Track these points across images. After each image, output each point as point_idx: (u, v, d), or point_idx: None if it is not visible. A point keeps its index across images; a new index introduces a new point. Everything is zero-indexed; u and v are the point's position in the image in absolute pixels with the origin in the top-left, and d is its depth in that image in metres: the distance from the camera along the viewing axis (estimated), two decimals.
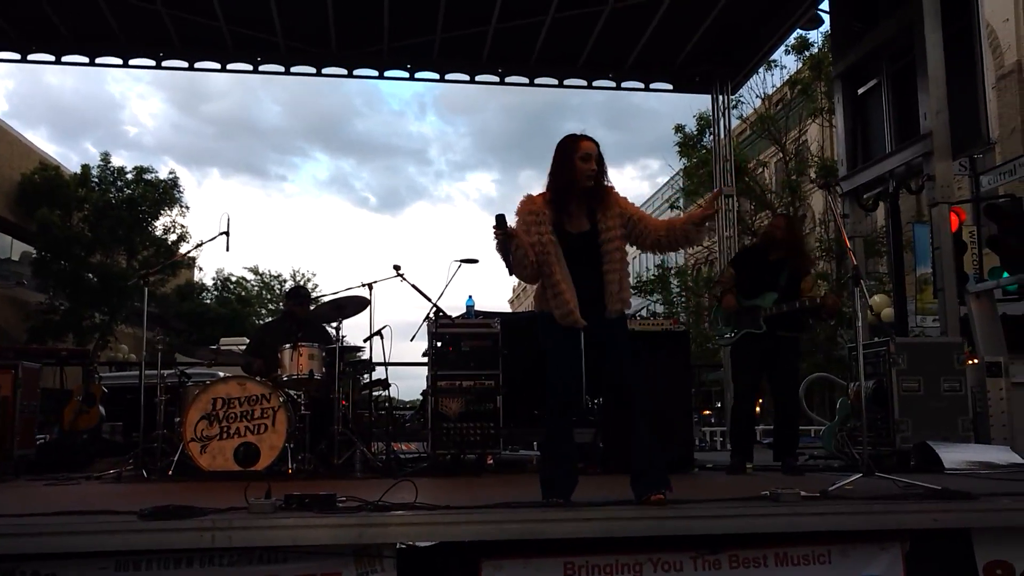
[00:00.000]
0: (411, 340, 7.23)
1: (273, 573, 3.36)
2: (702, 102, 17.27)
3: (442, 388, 6.68)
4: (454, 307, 7.19)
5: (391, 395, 7.55)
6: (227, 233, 6.91)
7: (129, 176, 28.45)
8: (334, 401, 6.60)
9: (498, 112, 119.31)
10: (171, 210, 29.00)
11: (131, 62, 10.78)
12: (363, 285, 7.03)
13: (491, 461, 6.88)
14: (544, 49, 10.70)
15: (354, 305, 6.95)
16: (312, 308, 7.54)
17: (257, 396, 6.17)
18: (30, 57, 10.55)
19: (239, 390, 6.18)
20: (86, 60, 10.70)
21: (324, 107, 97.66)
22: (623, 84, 11.62)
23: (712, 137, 12.72)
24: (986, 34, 8.84)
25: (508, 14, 9.91)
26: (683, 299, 26.26)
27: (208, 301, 37.31)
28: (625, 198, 4.19)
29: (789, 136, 24.08)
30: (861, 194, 9.24)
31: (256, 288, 44.34)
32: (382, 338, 7.02)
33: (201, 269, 37.50)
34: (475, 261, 7.27)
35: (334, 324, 6.96)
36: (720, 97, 11.68)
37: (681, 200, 26.29)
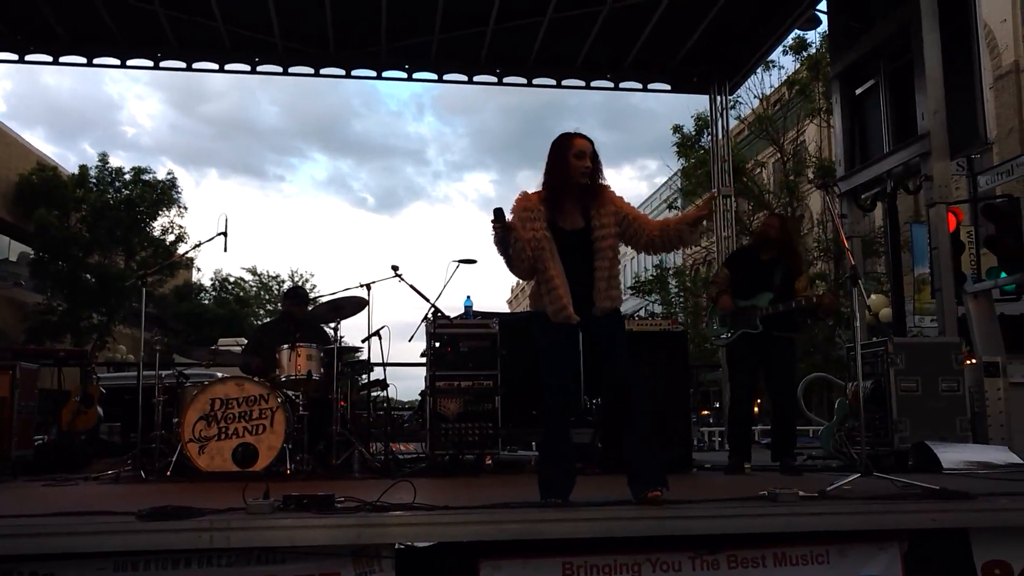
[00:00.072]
0: (409, 340, 7.23)
1: (271, 574, 3.36)
2: (700, 102, 17.32)
3: (440, 388, 6.68)
4: (452, 307, 7.20)
5: (389, 395, 7.54)
6: (225, 234, 6.91)
7: (127, 177, 28.49)
8: (332, 402, 6.60)
9: (496, 113, 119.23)
10: (169, 211, 29.08)
11: (129, 63, 10.77)
12: (361, 285, 7.03)
13: (489, 461, 6.87)
14: (542, 50, 10.70)
15: (352, 305, 6.95)
16: (310, 308, 7.54)
17: (255, 397, 6.17)
18: (28, 58, 10.54)
19: (237, 391, 6.18)
20: (84, 61, 10.68)
21: (322, 108, 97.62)
22: (621, 84, 11.62)
23: (710, 137, 12.74)
24: (984, 34, 8.83)
25: (506, 15, 9.91)
26: (681, 299, 26.27)
27: (206, 302, 37.31)
28: (621, 197, 4.19)
29: (787, 136, 24.10)
30: (859, 194, 9.24)
31: (254, 289, 44.38)
32: (380, 338, 7.02)
33: (199, 270, 37.59)
34: (473, 261, 7.28)
35: (332, 324, 6.96)
36: (718, 97, 11.67)
37: (679, 200, 26.30)
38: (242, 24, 10.12)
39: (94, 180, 28.06)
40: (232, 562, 3.33)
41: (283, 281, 43.80)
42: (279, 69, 10.91)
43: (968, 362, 7.19)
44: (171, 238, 29.08)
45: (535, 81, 11.42)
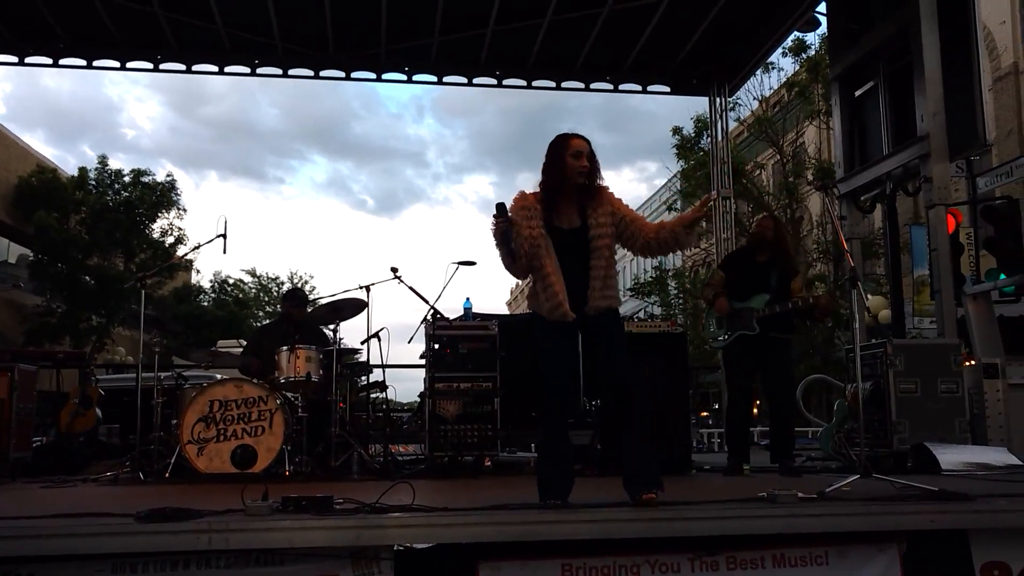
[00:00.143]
0: (408, 342, 7.24)
1: (270, 575, 3.36)
2: (699, 104, 17.31)
3: (439, 390, 6.68)
4: (451, 309, 7.20)
5: (388, 397, 7.54)
6: (224, 235, 6.90)
7: (126, 179, 28.49)
8: (331, 403, 6.59)
9: (496, 114, 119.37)
10: (168, 213, 29.07)
11: (128, 65, 10.77)
12: (360, 287, 7.03)
13: (489, 463, 6.88)
14: (542, 51, 10.70)
15: (351, 307, 6.95)
16: (309, 310, 7.54)
17: (254, 398, 6.16)
18: (27, 60, 10.54)
19: (236, 392, 6.18)
20: (83, 63, 10.68)
21: (322, 110, 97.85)
22: (620, 86, 11.63)
23: (709, 139, 12.74)
24: (983, 36, 8.84)
25: (506, 16, 9.91)
26: (681, 301, 26.27)
27: (205, 303, 37.27)
28: (620, 199, 4.19)
29: (786, 138, 24.11)
30: (858, 196, 9.25)
31: (253, 290, 44.30)
32: (379, 340, 7.02)
33: (198, 271, 37.55)
34: (472, 263, 7.28)
35: (331, 326, 6.96)
36: (717, 99, 11.68)
37: (679, 202, 26.30)
38: (242, 26, 10.12)
39: (93, 182, 28.05)
40: (231, 564, 3.32)
41: (282, 283, 43.75)
42: (279, 71, 10.91)
43: (967, 363, 7.19)
44: (170, 240, 29.09)
45: (535, 83, 11.43)
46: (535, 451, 6.89)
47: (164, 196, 28.74)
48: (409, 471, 6.44)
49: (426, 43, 10.46)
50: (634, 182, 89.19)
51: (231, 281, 42.32)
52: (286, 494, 3.72)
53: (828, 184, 7.78)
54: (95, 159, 30.36)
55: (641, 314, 24.03)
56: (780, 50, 20.45)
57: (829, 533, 3.69)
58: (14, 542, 3.18)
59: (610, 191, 4.17)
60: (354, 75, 11.07)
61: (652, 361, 6.51)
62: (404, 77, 11.18)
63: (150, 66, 10.77)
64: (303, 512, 3.55)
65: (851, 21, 9.31)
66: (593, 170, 4.10)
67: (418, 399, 7.93)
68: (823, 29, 11.29)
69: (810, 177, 22.43)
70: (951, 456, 6.11)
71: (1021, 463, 6.11)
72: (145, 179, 28.57)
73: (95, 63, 10.70)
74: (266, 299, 44.02)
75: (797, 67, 22.80)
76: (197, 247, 8.62)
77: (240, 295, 41.99)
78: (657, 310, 26.66)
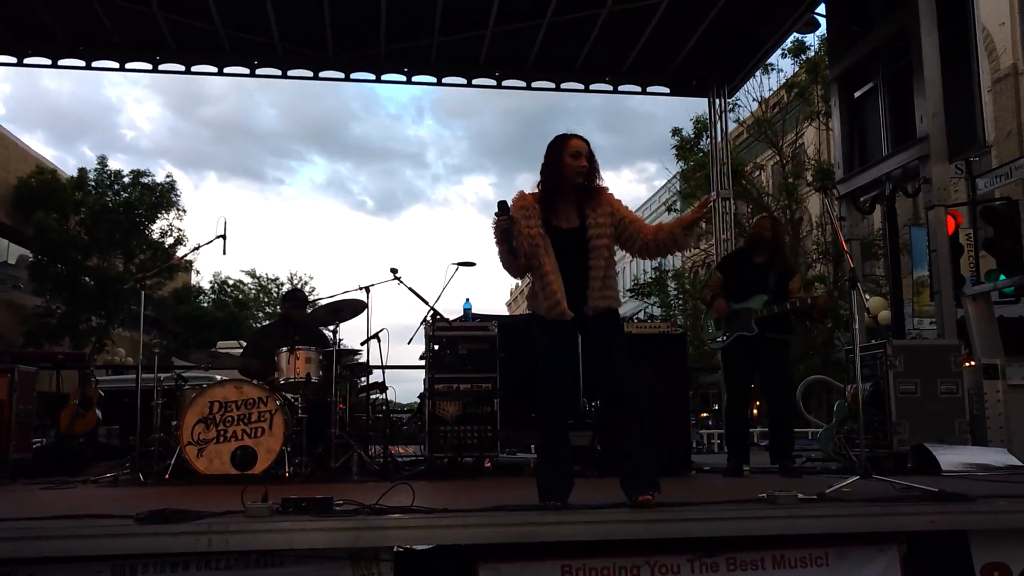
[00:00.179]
0: (408, 343, 7.23)
1: None
2: (699, 105, 17.28)
3: (439, 391, 6.67)
4: (451, 310, 7.20)
5: (388, 398, 7.54)
6: (224, 236, 6.90)
7: (126, 179, 28.50)
8: (331, 404, 6.59)
9: (495, 115, 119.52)
10: (168, 213, 29.06)
11: (128, 66, 10.79)
12: (360, 288, 7.02)
13: (488, 464, 6.88)
14: (541, 53, 10.71)
15: (351, 308, 6.94)
16: (309, 311, 7.53)
17: (254, 399, 6.16)
18: (26, 61, 10.55)
19: (236, 393, 6.17)
20: (82, 64, 10.69)
21: (321, 111, 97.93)
22: (620, 87, 11.64)
23: (709, 140, 12.73)
24: (982, 37, 8.85)
25: (505, 18, 9.92)
26: (680, 302, 26.27)
27: (205, 304, 37.25)
28: (620, 201, 4.19)
29: (786, 139, 24.12)
30: (858, 197, 9.25)
31: (253, 291, 44.29)
32: (379, 341, 7.01)
33: (198, 272, 37.55)
34: (472, 264, 7.28)
35: (331, 327, 6.95)
36: (717, 100, 11.69)
37: (678, 203, 26.31)
38: (241, 27, 10.12)
39: (93, 183, 28.06)
40: (230, 565, 3.32)
41: (282, 284, 43.71)
42: (278, 72, 10.93)
43: (967, 364, 7.19)
44: (170, 241, 29.09)
45: (534, 84, 11.44)
46: (535, 452, 6.89)
47: (164, 197, 28.74)
48: (409, 472, 6.44)
49: (425, 44, 10.47)
50: (633, 183, 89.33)
51: (231, 282, 42.35)
52: (286, 495, 3.71)
53: (827, 185, 7.79)
54: (94, 160, 30.39)
55: (641, 315, 24.03)
56: (779, 51, 20.47)
57: (829, 534, 3.69)
58: (14, 543, 3.18)
59: (610, 192, 4.17)
60: (353, 76, 11.07)
61: (652, 362, 6.51)
62: (403, 78, 11.19)
63: (149, 67, 10.78)
64: (303, 513, 3.55)
65: (850, 22, 9.32)
66: (592, 170, 4.10)
67: (418, 400, 7.94)
68: (822, 30, 11.29)
69: (809, 178, 22.44)
70: (951, 457, 6.12)
71: (1021, 464, 6.11)
72: (145, 180, 28.58)
73: (94, 64, 10.72)
74: (266, 300, 44.00)
75: (796, 68, 22.83)
76: (197, 248, 8.62)
77: (240, 296, 41.98)
78: (657, 311, 26.65)
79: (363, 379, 7.61)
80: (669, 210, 29.31)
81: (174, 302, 32.38)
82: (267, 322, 28.83)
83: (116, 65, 10.78)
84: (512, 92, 11.96)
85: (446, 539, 3.53)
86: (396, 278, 7.11)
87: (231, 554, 3.30)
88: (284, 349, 6.60)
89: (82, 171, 28.30)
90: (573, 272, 4.04)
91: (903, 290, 11.26)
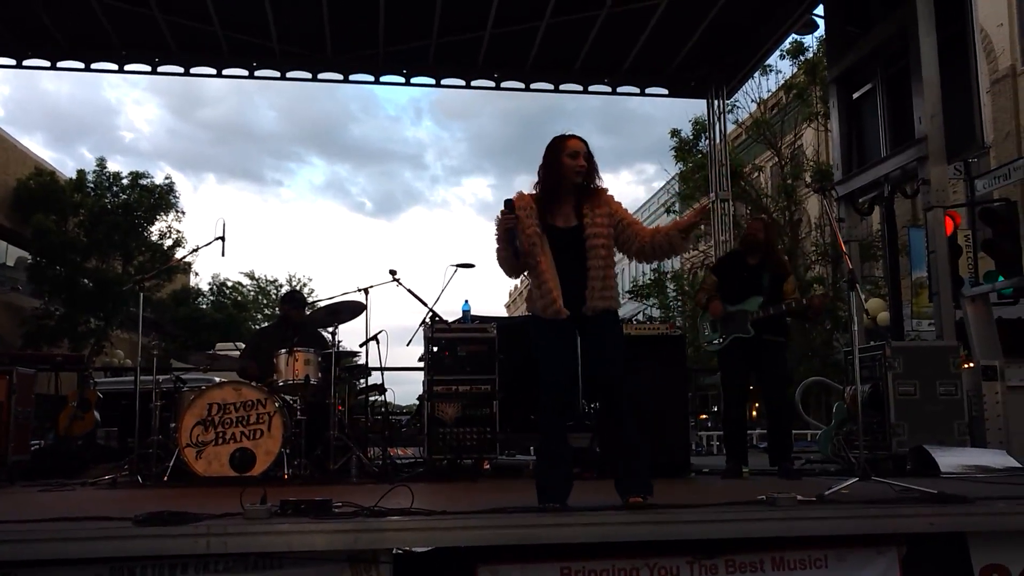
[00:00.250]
0: (407, 345, 7.24)
1: None
2: (698, 107, 17.28)
3: (438, 393, 6.67)
4: (450, 312, 7.19)
5: (387, 400, 7.54)
6: (223, 238, 6.90)
7: (125, 181, 28.50)
8: (330, 406, 6.59)
9: (494, 117, 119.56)
10: (167, 215, 29.07)
11: (127, 68, 10.80)
12: (359, 290, 7.02)
13: (487, 466, 6.87)
14: (540, 54, 10.72)
15: (350, 310, 6.94)
16: (308, 313, 7.53)
17: (253, 401, 6.15)
18: (26, 63, 10.56)
19: (235, 395, 6.17)
20: (82, 66, 10.71)
21: (320, 112, 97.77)
22: (619, 89, 11.66)
23: (708, 142, 12.73)
24: (980, 38, 8.85)
25: (504, 19, 9.93)
26: (679, 303, 26.29)
27: (204, 306, 37.24)
28: (619, 203, 4.19)
29: (785, 140, 24.14)
30: (857, 198, 9.26)
31: (252, 293, 44.29)
32: (378, 343, 7.01)
33: (197, 274, 37.53)
34: (471, 266, 7.29)
35: (330, 329, 6.95)
36: (716, 102, 11.70)
37: (677, 204, 26.34)
38: (240, 29, 10.13)
39: (92, 185, 28.06)
40: (229, 567, 3.31)
41: (281, 286, 43.70)
42: (277, 74, 10.94)
43: (966, 366, 7.19)
44: (169, 243, 29.09)
45: (533, 86, 11.46)
46: (534, 454, 6.88)
47: (162, 199, 28.74)
48: (408, 474, 6.43)
49: (424, 45, 10.47)
50: (632, 184, 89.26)
51: (229, 284, 42.34)
52: (284, 497, 3.71)
53: (826, 186, 7.78)
54: (93, 162, 30.36)
55: (640, 316, 24.04)
56: (778, 53, 20.48)
57: (828, 536, 3.69)
58: (12, 546, 3.17)
59: (609, 194, 4.16)
60: (352, 77, 11.08)
61: (651, 363, 6.51)
62: (402, 79, 11.20)
63: (148, 68, 10.79)
64: (301, 515, 3.55)
65: (849, 23, 9.33)
66: (591, 170, 4.10)
67: (417, 402, 7.94)
68: (821, 31, 11.30)
69: (808, 179, 22.46)
70: (950, 459, 6.12)
71: (1020, 466, 6.12)
72: (143, 182, 28.59)
73: (93, 66, 10.73)
74: (264, 302, 44.00)
75: (795, 69, 22.85)
76: (195, 250, 8.64)
77: (238, 298, 41.96)
78: (656, 312, 26.66)
79: (362, 381, 7.61)
80: (668, 211, 29.32)
81: (173, 304, 32.35)
82: (266, 324, 28.83)
83: (115, 67, 10.80)
84: (511, 94, 11.98)
85: (445, 541, 3.52)
86: (395, 280, 7.11)
87: (230, 556, 3.29)
88: (283, 351, 6.59)
89: (81, 173, 28.31)
90: (571, 272, 4.03)
91: (902, 291, 11.27)
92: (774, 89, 24.32)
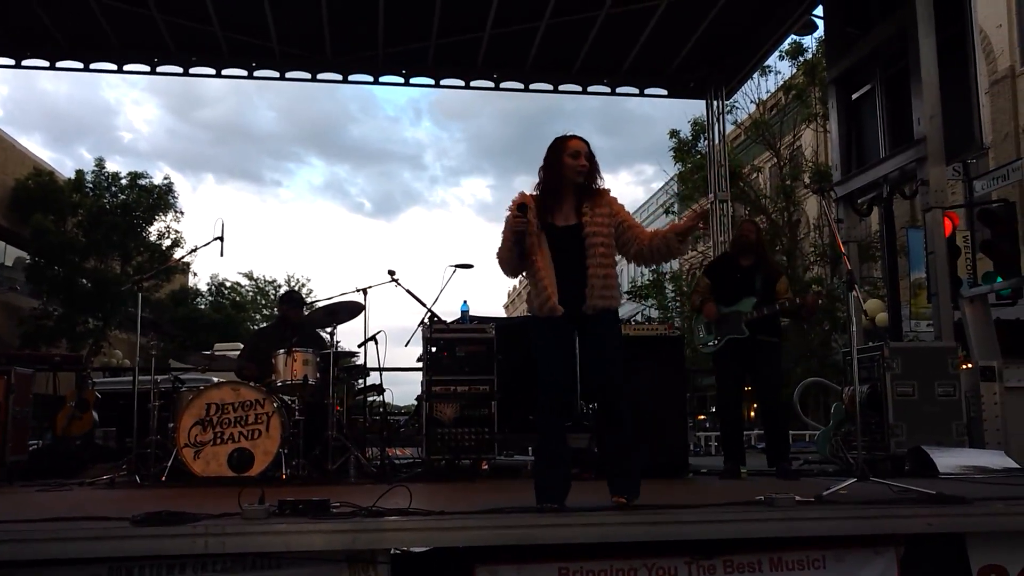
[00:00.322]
0: (406, 345, 7.24)
1: None
2: (697, 107, 17.31)
3: (436, 393, 6.67)
4: (449, 312, 7.19)
5: (385, 400, 7.54)
6: (221, 238, 6.90)
7: (123, 181, 28.50)
8: (328, 406, 6.59)
9: (493, 117, 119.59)
10: (165, 215, 29.08)
11: (126, 68, 10.80)
12: (358, 290, 7.02)
13: (486, 466, 6.87)
14: (539, 55, 10.72)
15: (348, 310, 6.94)
16: (306, 313, 7.53)
17: (251, 401, 6.15)
18: (24, 63, 10.55)
19: (233, 395, 6.16)
20: (80, 66, 10.70)
21: (319, 113, 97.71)
22: (618, 90, 11.66)
23: (707, 142, 12.73)
24: (979, 39, 8.87)
25: (503, 20, 9.93)
26: (678, 304, 26.28)
27: (202, 307, 37.25)
28: (622, 206, 4.19)
29: (784, 141, 24.15)
30: (855, 199, 9.26)
31: (251, 293, 44.31)
32: (376, 343, 7.01)
33: (196, 274, 37.61)
34: (470, 266, 7.29)
35: (328, 329, 6.95)
36: (715, 102, 11.70)
37: (676, 205, 26.34)
38: (239, 29, 10.13)
39: (91, 185, 28.06)
40: (227, 567, 3.31)
41: (279, 286, 43.73)
42: (276, 74, 10.93)
43: (964, 366, 7.19)
44: (167, 243, 29.10)
45: (532, 86, 11.46)
46: (532, 454, 6.88)
47: (161, 199, 28.73)
48: (406, 474, 6.43)
49: (423, 46, 10.47)
50: (631, 185, 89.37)
51: (228, 284, 42.39)
52: (283, 497, 3.71)
53: (825, 187, 7.78)
54: (92, 162, 30.42)
55: (638, 317, 24.06)
56: (777, 53, 20.49)
57: (826, 537, 3.69)
58: (10, 546, 3.17)
59: (611, 195, 4.17)
60: (351, 78, 11.07)
61: (649, 364, 6.52)
62: (401, 80, 11.19)
63: (147, 69, 10.78)
64: (300, 516, 3.55)
65: (848, 24, 9.33)
66: (592, 170, 4.11)
67: (415, 402, 7.94)
68: (820, 32, 11.31)
69: (807, 180, 22.47)
70: (948, 459, 6.12)
71: (1018, 466, 6.12)
72: (142, 182, 28.59)
73: (92, 66, 10.72)
74: (263, 302, 44.03)
75: (794, 70, 22.85)
76: (194, 250, 8.62)
77: (237, 298, 41.99)
78: (654, 313, 26.66)
79: (360, 381, 7.60)
80: (667, 212, 29.32)
81: (171, 304, 32.33)
82: (264, 324, 28.84)
83: (114, 67, 10.80)
84: (510, 94, 11.99)
85: (443, 541, 3.52)
86: (394, 280, 7.11)
87: (227, 556, 3.29)
88: (281, 351, 6.59)
89: (80, 173, 28.31)
90: (571, 271, 4.03)
91: (900, 292, 11.27)
92: (773, 90, 24.35)
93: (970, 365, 7.30)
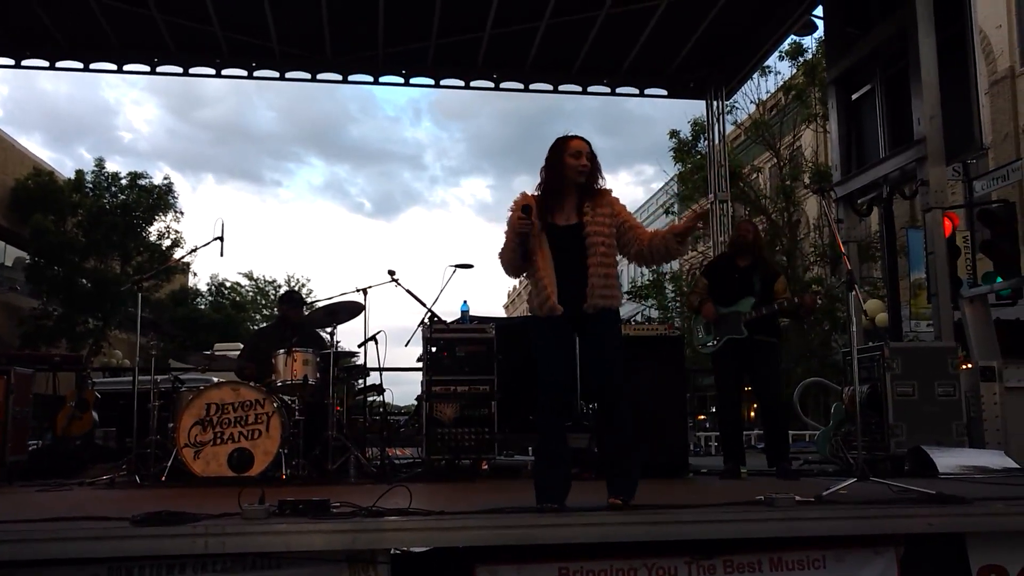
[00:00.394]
0: (406, 345, 7.24)
1: None
2: (696, 108, 17.32)
3: (436, 393, 6.67)
4: (449, 312, 7.19)
5: (385, 400, 7.54)
6: (221, 238, 6.90)
7: (123, 181, 28.50)
8: (328, 406, 6.58)
9: (493, 118, 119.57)
10: (165, 215, 29.07)
11: (125, 68, 10.80)
12: (358, 290, 7.02)
13: (486, 466, 6.87)
14: (539, 55, 10.72)
15: (348, 310, 6.94)
16: (306, 313, 7.52)
17: (251, 401, 6.15)
18: (24, 63, 10.54)
19: (233, 395, 6.16)
20: (80, 66, 10.69)
21: (319, 113, 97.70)
22: (618, 90, 11.66)
23: (707, 143, 12.73)
24: (979, 40, 8.87)
25: (503, 20, 9.92)
26: (678, 304, 26.28)
27: (202, 307, 37.25)
28: (623, 206, 4.19)
29: (783, 141, 24.15)
30: (855, 199, 9.26)
31: (251, 293, 44.30)
32: (376, 343, 7.01)
33: (195, 274, 37.62)
34: (470, 267, 7.29)
35: (328, 329, 6.95)
36: (714, 103, 11.71)
37: (676, 205, 26.33)
38: (239, 29, 10.12)
39: (90, 185, 28.05)
40: (227, 568, 3.31)
41: (279, 286, 43.71)
42: (276, 74, 10.93)
43: (964, 367, 7.20)
44: (167, 243, 29.09)
45: (532, 86, 11.46)
46: (532, 454, 6.88)
47: (161, 199, 28.73)
48: (406, 474, 6.43)
49: (423, 46, 10.47)
50: (631, 185, 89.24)
51: (228, 284, 42.39)
52: (283, 497, 3.71)
53: (825, 187, 7.78)
54: (92, 162, 30.43)
55: (638, 317, 24.06)
56: (777, 54, 20.50)
57: (826, 536, 3.69)
58: (10, 546, 3.17)
59: (613, 195, 4.17)
60: (351, 78, 11.07)
61: (649, 364, 6.52)
62: (401, 80, 11.19)
63: (147, 69, 10.78)
64: (300, 516, 3.55)
65: (848, 25, 9.33)
66: (594, 170, 4.11)
67: (415, 402, 7.93)
68: (820, 33, 11.31)
69: (807, 180, 22.46)
70: (948, 459, 6.12)
71: (1018, 466, 6.12)
72: (142, 182, 28.58)
73: (92, 66, 10.72)
74: (263, 302, 44.02)
75: (794, 71, 22.85)
76: (194, 250, 8.61)
77: (237, 298, 41.98)
78: (654, 313, 26.66)
79: (360, 381, 7.60)
80: (667, 212, 29.31)
81: (171, 304, 32.33)
82: (264, 324, 28.84)
83: (114, 67, 10.80)
84: (510, 94, 11.98)
85: (443, 541, 3.52)
86: (394, 280, 7.11)
87: (227, 556, 3.29)
88: (281, 351, 6.59)
89: (79, 173, 28.31)
90: (572, 270, 4.03)
91: (900, 292, 11.27)
92: (773, 90, 24.34)
93: (970, 365, 7.31)
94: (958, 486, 4.75)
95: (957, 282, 8.32)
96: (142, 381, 6.81)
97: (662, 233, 4.15)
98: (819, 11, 10.04)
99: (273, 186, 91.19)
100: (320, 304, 7.13)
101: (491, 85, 11.37)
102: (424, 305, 7.00)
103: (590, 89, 11.61)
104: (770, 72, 22.71)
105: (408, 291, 7.13)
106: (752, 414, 17.28)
